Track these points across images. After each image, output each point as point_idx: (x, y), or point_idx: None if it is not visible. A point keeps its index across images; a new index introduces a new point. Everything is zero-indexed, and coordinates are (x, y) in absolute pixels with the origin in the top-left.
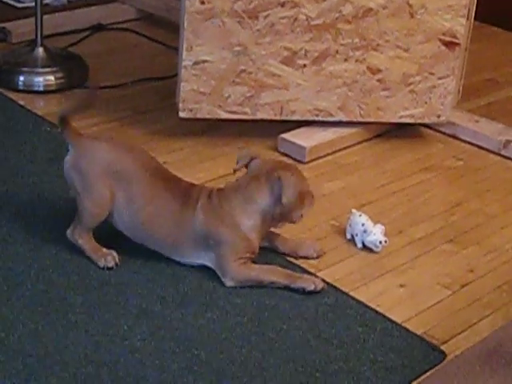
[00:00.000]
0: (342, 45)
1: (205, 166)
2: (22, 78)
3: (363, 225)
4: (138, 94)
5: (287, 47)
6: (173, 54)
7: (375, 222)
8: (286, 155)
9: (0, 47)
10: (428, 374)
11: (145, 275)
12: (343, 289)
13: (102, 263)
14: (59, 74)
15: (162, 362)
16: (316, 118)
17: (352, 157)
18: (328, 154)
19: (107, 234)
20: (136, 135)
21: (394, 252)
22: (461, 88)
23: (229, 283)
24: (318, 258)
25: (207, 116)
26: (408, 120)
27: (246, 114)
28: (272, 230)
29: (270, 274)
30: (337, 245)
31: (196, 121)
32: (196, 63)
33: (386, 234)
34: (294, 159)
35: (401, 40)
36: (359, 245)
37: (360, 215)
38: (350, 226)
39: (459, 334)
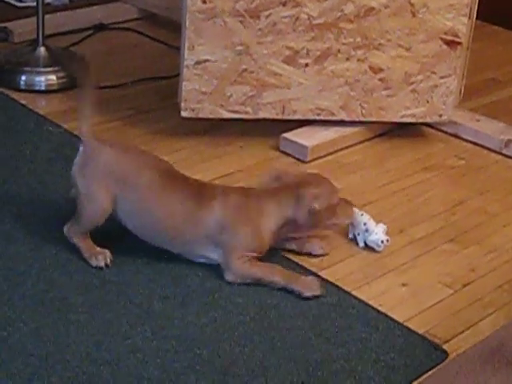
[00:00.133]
0: (343, 44)
1: (207, 166)
2: (23, 78)
3: (365, 224)
4: (139, 94)
5: (289, 46)
6: (175, 54)
7: (377, 222)
8: (288, 154)
9: (1, 47)
10: (430, 373)
11: (146, 275)
12: (345, 288)
13: (93, 262)
14: (61, 74)
15: (164, 362)
16: (318, 118)
17: (354, 156)
18: (330, 154)
19: (107, 234)
20: (138, 135)
21: (395, 251)
22: (462, 87)
23: (229, 277)
24: (321, 256)
25: (209, 115)
26: (410, 119)
27: (247, 113)
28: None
29: (270, 273)
30: (339, 244)
31: (198, 120)
32: (198, 63)
33: (387, 234)
34: (296, 158)
35: (403, 39)
36: (361, 244)
37: (362, 214)
38: (351, 225)
39: (461, 333)
